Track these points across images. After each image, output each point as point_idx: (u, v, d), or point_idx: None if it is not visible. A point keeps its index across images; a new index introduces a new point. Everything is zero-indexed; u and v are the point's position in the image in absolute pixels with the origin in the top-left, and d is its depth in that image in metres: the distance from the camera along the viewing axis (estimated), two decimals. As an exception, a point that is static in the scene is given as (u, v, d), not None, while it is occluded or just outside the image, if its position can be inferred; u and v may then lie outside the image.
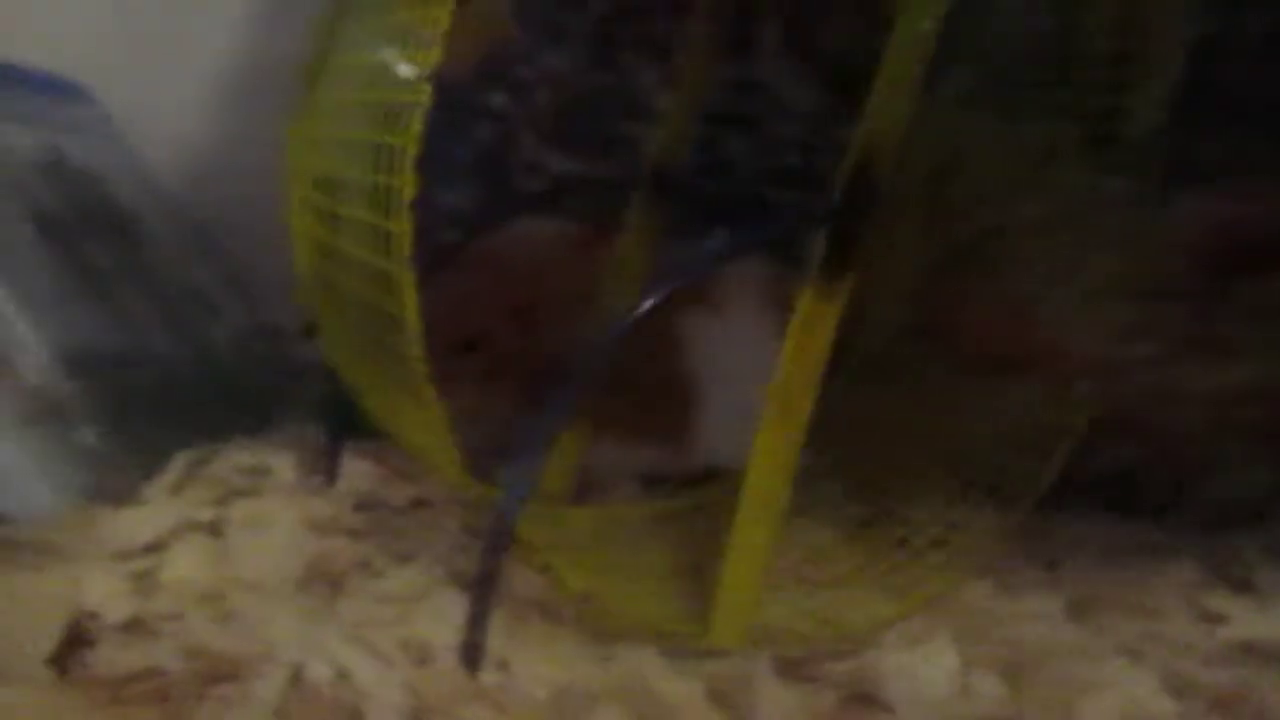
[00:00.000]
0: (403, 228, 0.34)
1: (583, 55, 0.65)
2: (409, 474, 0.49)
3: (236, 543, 0.44)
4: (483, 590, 0.34)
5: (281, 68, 0.45)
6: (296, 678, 0.35)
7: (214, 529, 0.45)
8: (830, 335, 0.42)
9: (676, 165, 0.60)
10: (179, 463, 0.50)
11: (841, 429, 0.49)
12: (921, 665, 0.40)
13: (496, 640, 0.37)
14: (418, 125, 0.33)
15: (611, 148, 0.65)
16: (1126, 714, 0.40)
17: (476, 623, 0.34)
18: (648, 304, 0.37)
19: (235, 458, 0.52)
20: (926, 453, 0.52)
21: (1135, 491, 0.61)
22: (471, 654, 0.34)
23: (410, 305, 0.35)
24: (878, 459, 0.53)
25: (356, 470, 0.50)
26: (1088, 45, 0.54)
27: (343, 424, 0.51)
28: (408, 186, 0.33)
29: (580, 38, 0.64)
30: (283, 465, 0.51)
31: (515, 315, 0.57)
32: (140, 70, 0.67)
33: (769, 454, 0.40)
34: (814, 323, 0.41)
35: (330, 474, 0.49)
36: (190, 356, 0.63)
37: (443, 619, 0.36)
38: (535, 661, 0.36)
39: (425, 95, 0.33)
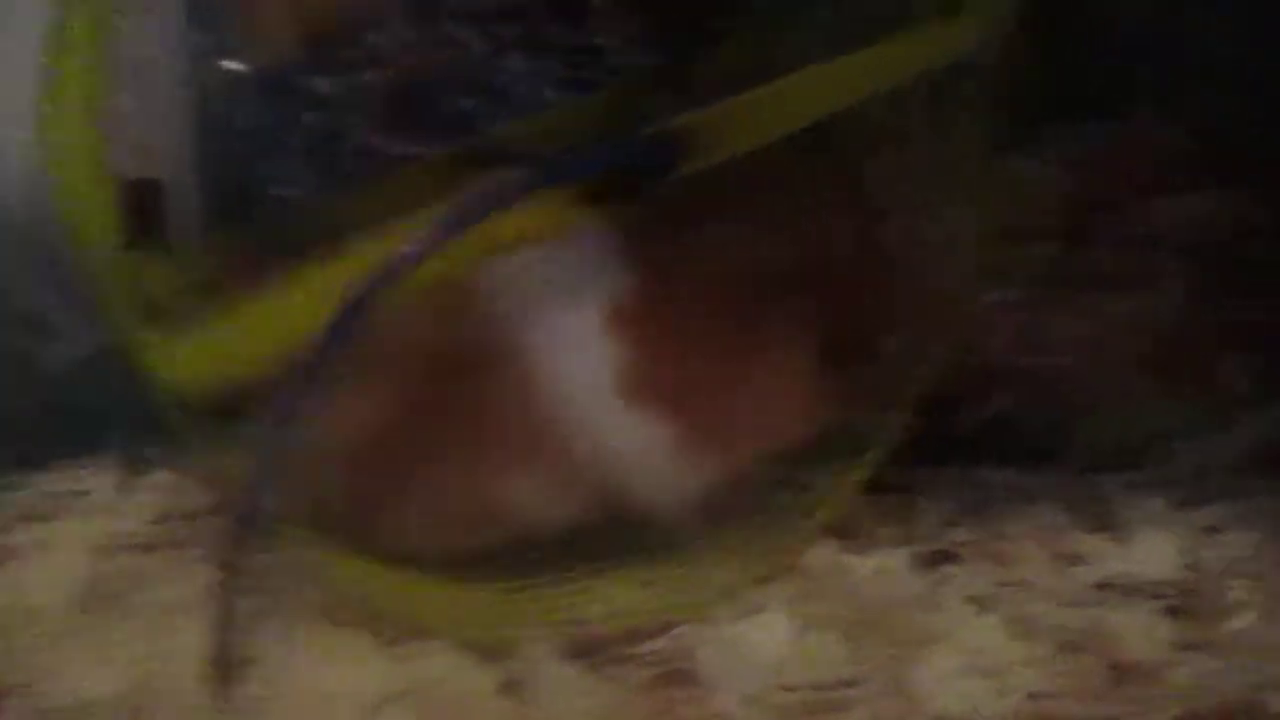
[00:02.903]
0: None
1: (410, 32, 0.62)
2: (214, 480, 0.46)
3: (17, 568, 0.41)
4: (226, 587, 0.31)
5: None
6: (45, 704, 0.32)
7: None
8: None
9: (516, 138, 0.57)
10: (-27, 490, 0.47)
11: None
12: (751, 634, 0.38)
13: (271, 645, 0.34)
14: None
15: (448, 126, 0.62)
16: (969, 663, 0.38)
17: (222, 625, 0.31)
18: (410, 250, 0.35)
19: (44, 482, 0.49)
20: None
21: (1010, 440, 0.60)
22: (221, 662, 0.31)
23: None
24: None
25: (161, 482, 0.47)
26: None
27: (147, 435, 0.49)
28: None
29: (406, 15, 0.62)
30: (100, 485, 0.49)
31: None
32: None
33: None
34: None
35: (131, 489, 0.46)
36: (10, 384, 0.60)
37: (204, 627, 0.33)
38: (314, 666, 0.33)
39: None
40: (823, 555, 0.44)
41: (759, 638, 0.38)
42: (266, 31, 0.59)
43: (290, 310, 0.35)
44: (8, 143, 0.65)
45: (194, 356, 0.37)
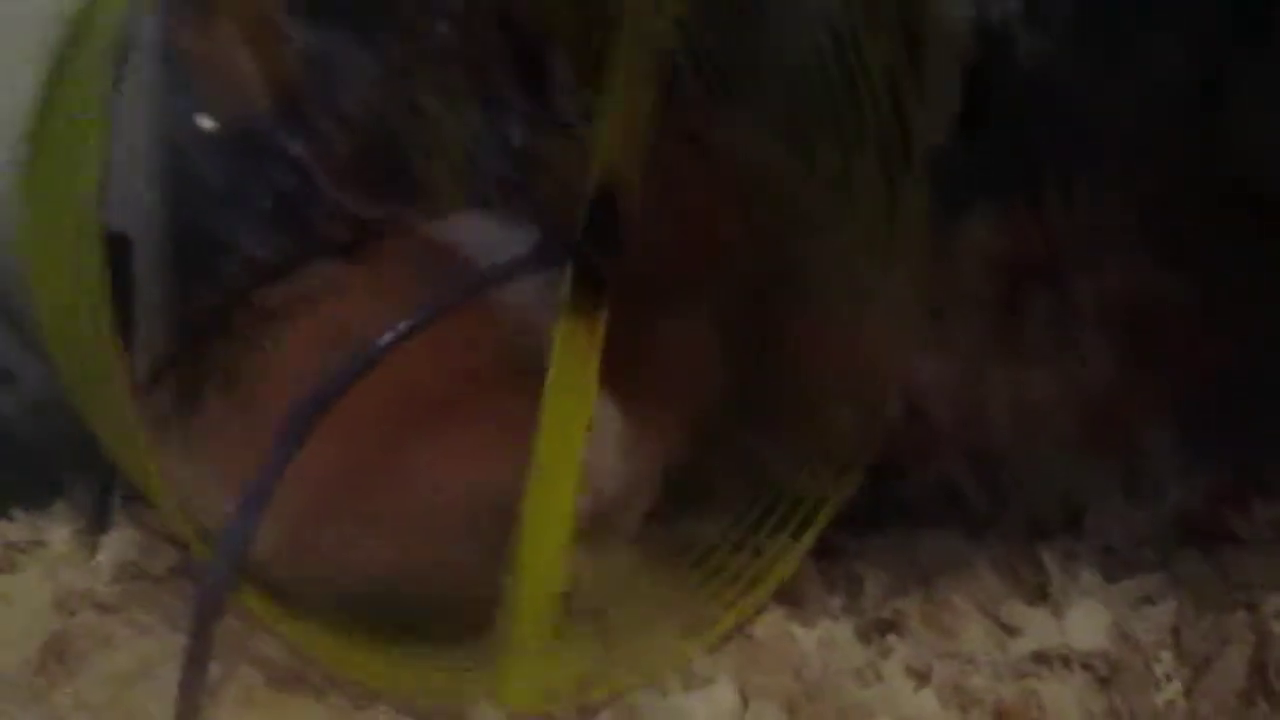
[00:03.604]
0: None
1: (376, 97, 0.63)
2: (179, 539, 0.47)
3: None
4: (194, 662, 0.31)
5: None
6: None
7: (-47, 612, 0.42)
8: (595, 363, 0.41)
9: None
10: (-73, 540, 0.47)
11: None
12: (697, 705, 0.39)
13: (235, 711, 0.35)
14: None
15: (411, 190, 0.64)
16: (905, 735, 0.39)
17: (186, 698, 0.32)
18: (385, 339, 0.36)
19: (4, 532, 0.49)
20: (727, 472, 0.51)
21: (951, 506, 0.62)
22: (185, 731, 0.32)
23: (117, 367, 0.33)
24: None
25: (123, 539, 0.47)
26: (866, 64, 0.54)
27: (108, 491, 0.49)
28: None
29: (373, 81, 0.63)
30: (57, 537, 0.49)
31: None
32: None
33: (545, 492, 0.39)
34: (574, 353, 0.40)
35: (92, 545, 0.46)
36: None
37: (166, 695, 0.34)
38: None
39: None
40: (771, 623, 0.45)
41: (705, 709, 0.39)
42: (237, 90, 0.60)
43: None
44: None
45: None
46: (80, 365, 0.38)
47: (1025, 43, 0.59)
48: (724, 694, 0.39)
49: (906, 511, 0.60)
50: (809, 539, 0.48)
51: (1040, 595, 0.50)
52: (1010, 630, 0.47)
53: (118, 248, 0.57)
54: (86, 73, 0.36)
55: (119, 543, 0.47)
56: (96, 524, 0.48)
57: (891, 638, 0.45)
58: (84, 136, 0.40)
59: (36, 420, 0.64)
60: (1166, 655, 0.46)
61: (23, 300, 0.68)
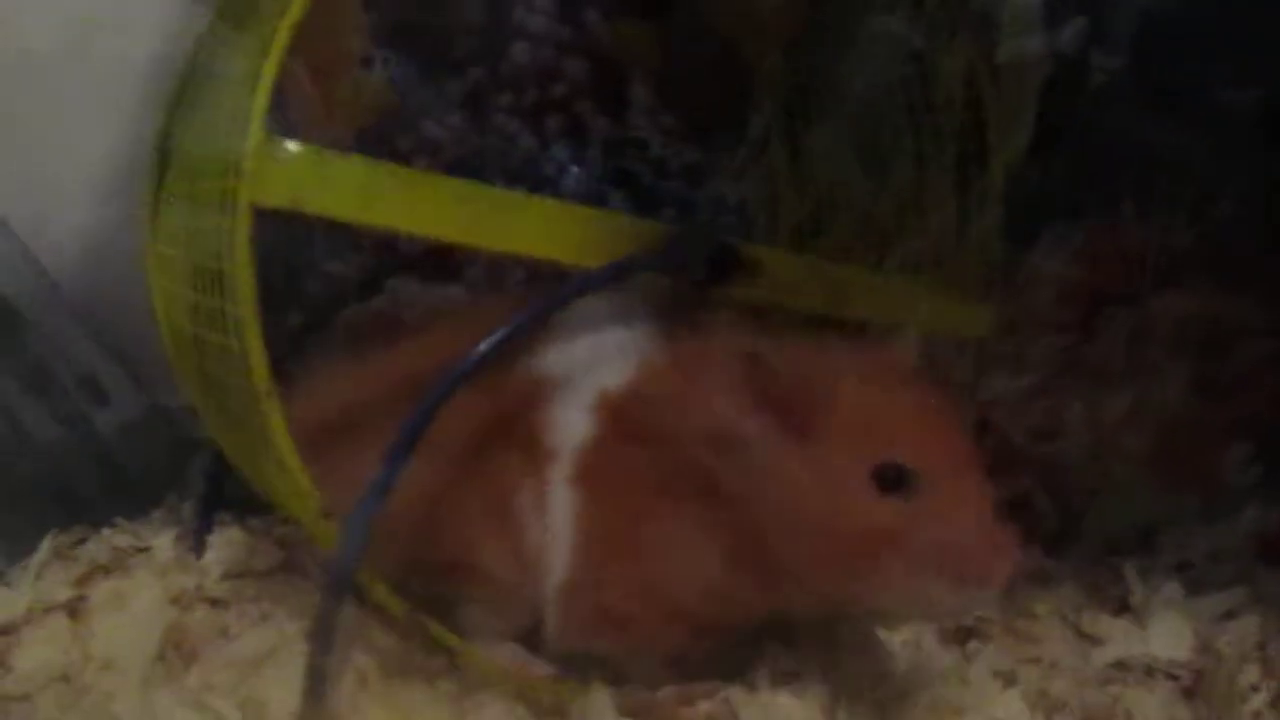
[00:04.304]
0: (241, 266, 0.34)
1: (460, 122, 0.65)
2: (284, 540, 0.49)
3: (94, 622, 0.43)
4: (321, 643, 0.33)
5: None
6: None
7: (72, 609, 0.44)
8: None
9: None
10: (45, 546, 0.49)
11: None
12: (789, 701, 0.40)
13: (351, 697, 0.36)
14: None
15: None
16: (995, 736, 0.40)
17: (315, 678, 0.33)
18: (495, 338, 0.37)
19: (110, 538, 0.51)
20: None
21: (1025, 522, 0.62)
22: (312, 713, 0.33)
23: (253, 339, 0.34)
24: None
25: (227, 540, 0.49)
26: (945, 92, 0.55)
27: (215, 495, 0.51)
28: (241, 229, 0.33)
29: (458, 105, 0.65)
30: (161, 543, 0.51)
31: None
32: (18, 153, 0.67)
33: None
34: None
35: (199, 545, 0.48)
36: (74, 443, 0.63)
37: (289, 678, 0.36)
38: (388, 718, 0.35)
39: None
40: (853, 627, 0.46)
41: (796, 705, 0.40)
42: (322, 117, 0.62)
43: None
44: (69, 220, 0.69)
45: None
46: (206, 380, 0.40)
47: (1095, 69, 0.60)
48: (814, 690, 0.40)
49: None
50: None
51: (1122, 607, 0.51)
52: (1092, 640, 0.48)
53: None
54: (224, 116, 0.37)
55: (224, 544, 0.49)
56: (202, 528, 0.50)
57: (974, 643, 0.46)
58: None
59: (128, 437, 0.67)
60: (1251, 668, 0.46)
61: (115, 320, 0.71)
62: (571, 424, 0.39)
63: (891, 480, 0.35)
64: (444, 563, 0.39)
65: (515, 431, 0.39)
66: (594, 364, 0.39)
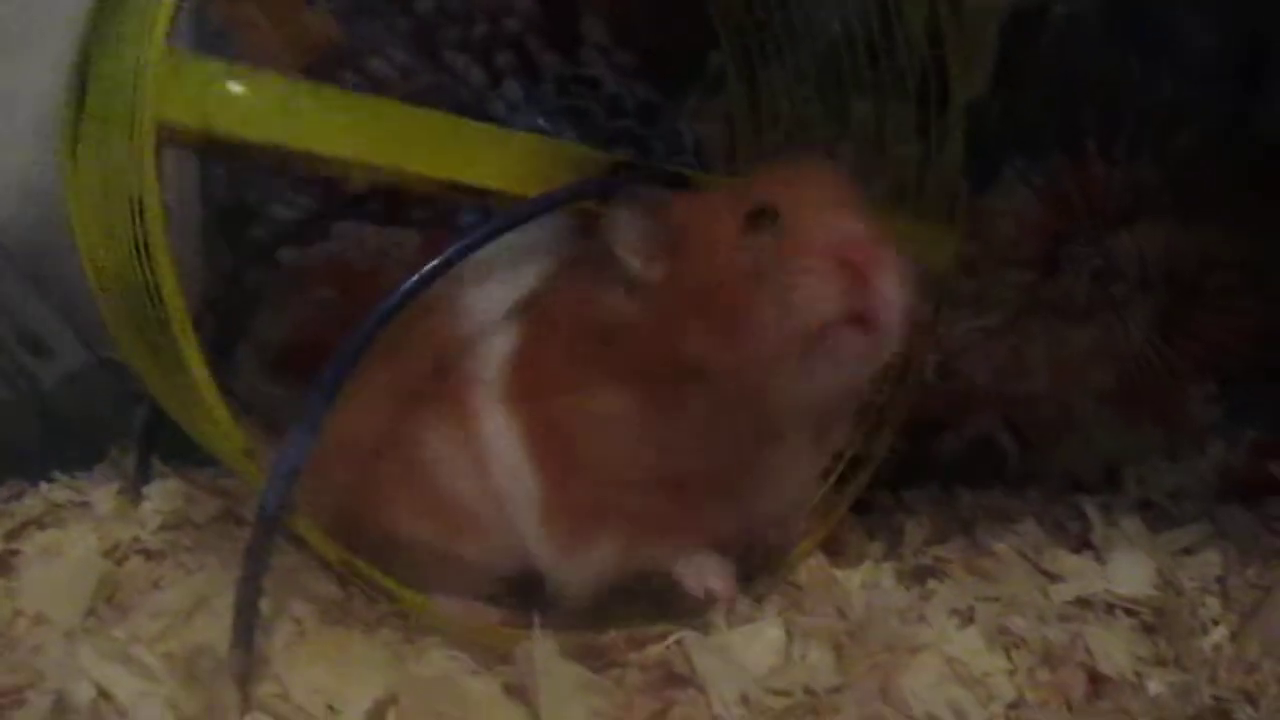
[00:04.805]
0: (148, 191, 0.32)
1: (407, 58, 0.63)
2: (225, 490, 0.47)
3: (25, 576, 0.42)
4: (248, 583, 0.32)
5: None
6: (59, 703, 0.33)
7: (3, 564, 0.43)
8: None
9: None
10: (-25, 500, 0.47)
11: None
12: (745, 642, 0.39)
13: (281, 646, 0.35)
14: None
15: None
16: (952, 672, 0.39)
17: (242, 620, 0.32)
18: (421, 272, 0.36)
19: (48, 492, 0.50)
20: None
21: (991, 462, 0.61)
22: (239, 657, 0.32)
23: (165, 263, 0.33)
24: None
25: (166, 491, 0.47)
26: (905, 29, 0.53)
27: (151, 442, 0.49)
28: (147, 148, 0.31)
29: (404, 40, 0.63)
30: (100, 496, 0.49)
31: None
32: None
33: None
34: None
35: (135, 494, 0.47)
36: (15, 398, 0.61)
37: (219, 627, 0.34)
38: (324, 667, 0.34)
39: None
40: (813, 569, 0.45)
41: (752, 645, 0.39)
42: (270, 56, 0.60)
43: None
44: (7, 168, 0.66)
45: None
46: (132, 319, 0.38)
47: (1057, 6, 0.58)
48: (770, 631, 0.39)
49: (944, 468, 0.60)
50: (851, 493, 0.48)
51: (1083, 544, 0.50)
52: (1052, 577, 0.47)
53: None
54: (133, 36, 0.35)
55: (162, 494, 0.47)
56: (138, 479, 0.48)
57: (933, 582, 0.45)
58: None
59: (72, 390, 0.65)
60: (1212, 601, 0.46)
61: (57, 274, 0.69)
62: (493, 346, 0.39)
63: (756, 220, 0.36)
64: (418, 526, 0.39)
65: (448, 374, 0.39)
66: (500, 285, 0.40)
